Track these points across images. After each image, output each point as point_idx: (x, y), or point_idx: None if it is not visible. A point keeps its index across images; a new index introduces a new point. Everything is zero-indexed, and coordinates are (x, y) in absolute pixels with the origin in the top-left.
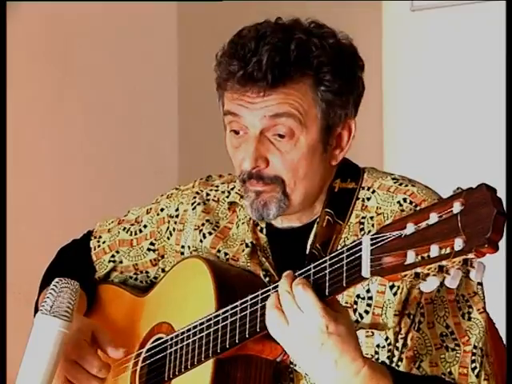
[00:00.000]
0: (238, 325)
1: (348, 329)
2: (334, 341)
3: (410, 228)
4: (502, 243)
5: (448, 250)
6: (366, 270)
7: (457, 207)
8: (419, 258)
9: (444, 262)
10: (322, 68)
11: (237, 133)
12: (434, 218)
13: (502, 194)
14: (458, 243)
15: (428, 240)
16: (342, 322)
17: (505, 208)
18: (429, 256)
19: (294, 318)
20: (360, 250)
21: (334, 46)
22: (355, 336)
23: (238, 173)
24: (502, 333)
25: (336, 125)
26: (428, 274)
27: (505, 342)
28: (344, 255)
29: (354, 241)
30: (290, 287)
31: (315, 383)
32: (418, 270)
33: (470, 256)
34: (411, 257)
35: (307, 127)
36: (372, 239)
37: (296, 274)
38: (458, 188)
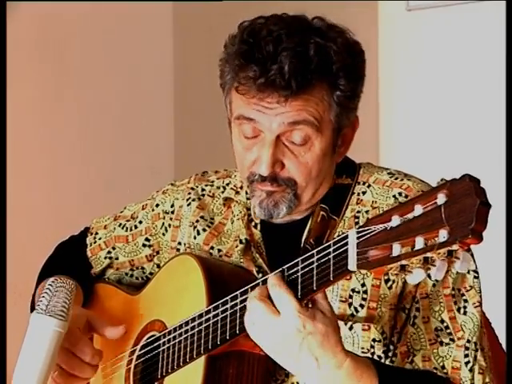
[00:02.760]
0: (228, 321)
1: (326, 326)
2: (312, 339)
3: (396, 220)
4: (502, 242)
5: (433, 242)
6: (352, 264)
7: (441, 198)
8: (404, 250)
9: (429, 254)
10: (339, 73)
11: (249, 135)
12: (418, 209)
13: (501, 192)
14: (443, 234)
15: (413, 232)
16: (320, 319)
17: (504, 205)
18: (414, 248)
19: (267, 321)
20: (346, 243)
21: (347, 48)
22: (336, 331)
23: (247, 174)
24: (502, 332)
25: (345, 126)
26: (414, 266)
27: (505, 342)
28: (331, 249)
29: (341, 234)
30: (260, 294)
31: (303, 381)
32: (404, 262)
33: (455, 247)
34: (397, 249)
35: (322, 132)
36: (358, 232)
37: (284, 267)
38: (441, 179)
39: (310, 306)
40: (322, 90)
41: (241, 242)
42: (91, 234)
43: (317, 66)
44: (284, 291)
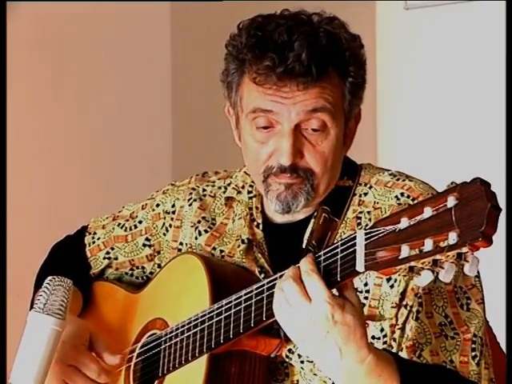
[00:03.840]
0: (232, 320)
1: (355, 317)
2: (339, 330)
3: (405, 222)
4: (502, 242)
5: (442, 244)
6: (360, 265)
7: (451, 201)
8: (413, 252)
9: (438, 256)
10: (350, 60)
11: (264, 127)
12: (428, 212)
13: (501, 190)
14: (452, 237)
15: (422, 234)
16: (349, 310)
17: (504, 204)
18: (423, 250)
19: (298, 304)
20: (354, 244)
21: (353, 37)
22: (362, 324)
23: (262, 168)
24: (502, 333)
25: (353, 116)
26: (422, 268)
27: (505, 343)
28: (338, 249)
29: (349, 235)
30: (296, 274)
31: (321, 371)
32: (412, 264)
33: (464, 250)
34: (405, 251)
35: (337, 120)
36: (366, 233)
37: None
38: (452, 182)
39: (338, 294)
40: (336, 77)
41: (243, 241)
42: (89, 233)
43: (331, 54)
44: (316, 277)
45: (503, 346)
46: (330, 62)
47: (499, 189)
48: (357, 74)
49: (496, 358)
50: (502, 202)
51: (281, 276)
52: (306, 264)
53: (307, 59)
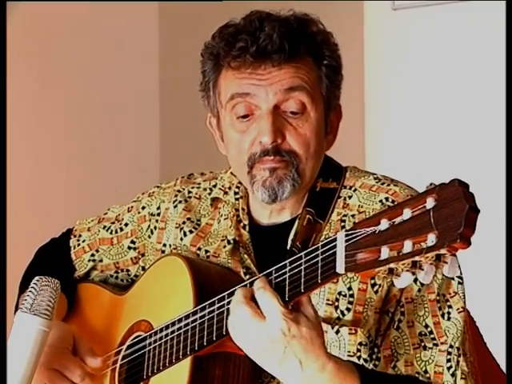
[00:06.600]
0: (215, 321)
1: (311, 330)
2: (296, 343)
3: (384, 224)
4: (502, 243)
5: (421, 246)
6: (340, 266)
7: (430, 203)
8: (393, 253)
9: (417, 258)
10: (322, 45)
11: (244, 117)
12: (407, 213)
13: (501, 192)
14: (431, 239)
15: (401, 236)
16: (304, 324)
17: (504, 205)
18: (402, 252)
19: (253, 325)
20: (335, 246)
21: (324, 29)
22: (320, 335)
23: (247, 157)
24: (502, 335)
25: (333, 106)
26: (402, 270)
27: (505, 344)
28: (319, 251)
29: (329, 237)
30: (246, 296)
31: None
32: (392, 265)
33: (443, 251)
34: (385, 253)
35: (316, 103)
36: (347, 235)
37: (272, 270)
38: (431, 184)
39: (293, 309)
40: (310, 61)
41: (229, 242)
42: (74, 236)
43: (302, 35)
44: (269, 294)
45: (503, 347)
46: (301, 42)
47: (498, 189)
48: (331, 57)
49: (482, 357)
50: (501, 201)
51: (267, 274)
52: (258, 281)
53: (279, 37)
